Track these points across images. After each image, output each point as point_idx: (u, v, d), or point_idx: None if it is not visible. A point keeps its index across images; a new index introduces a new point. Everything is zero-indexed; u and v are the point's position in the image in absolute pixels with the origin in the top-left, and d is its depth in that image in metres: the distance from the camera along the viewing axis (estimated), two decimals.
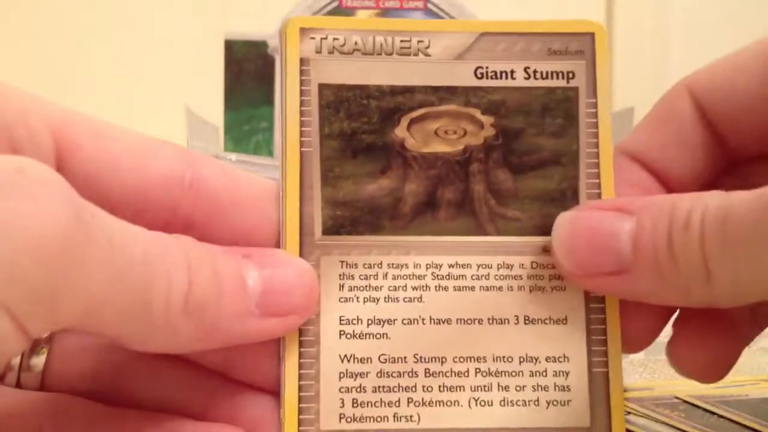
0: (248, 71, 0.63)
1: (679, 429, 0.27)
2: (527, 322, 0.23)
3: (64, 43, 0.95)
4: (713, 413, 0.29)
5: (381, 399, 0.22)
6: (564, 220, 0.23)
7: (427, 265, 0.23)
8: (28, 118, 0.20)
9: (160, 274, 0.18)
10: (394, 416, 0.22)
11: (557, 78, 0.24)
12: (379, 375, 0.22)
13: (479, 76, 0.24)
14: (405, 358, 0.22)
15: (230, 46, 0.63)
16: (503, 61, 0.24)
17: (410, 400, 0.22)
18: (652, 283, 0.21)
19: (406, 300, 0.23)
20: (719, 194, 0.20)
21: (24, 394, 0.23)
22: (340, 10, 0.61)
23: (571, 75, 0.24)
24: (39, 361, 0.23)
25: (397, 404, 0.22)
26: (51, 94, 0.22)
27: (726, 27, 0.99)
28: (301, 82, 0.23)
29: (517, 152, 0.23)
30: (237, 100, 0.63)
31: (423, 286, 0.23)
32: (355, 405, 0.22)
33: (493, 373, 0.22)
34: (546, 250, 0.23)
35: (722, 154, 0.24)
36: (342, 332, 0.22)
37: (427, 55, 0.23)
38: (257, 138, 0.64)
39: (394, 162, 0.23)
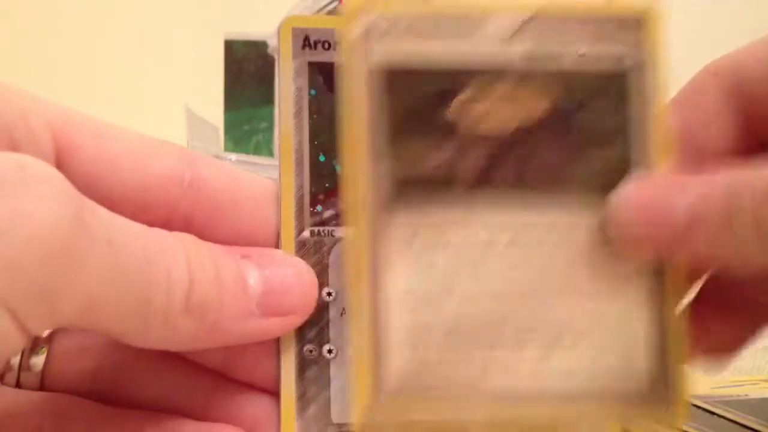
0: (248, 71, 0.63)
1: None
2: (589, 289, 0.23)
3: (63, 43, 0.95)
4: (713, 413, 0.29)
5: (445, 359, 0.22)
6: (623, 189, 0.22)
7: (487, 233, 0.23)
8: (28, 118, 0.20)
9: (159, 272, 0.18)
10: (458, 375, 0.22)
11: (608, 61, 0.24)
12: (444, 336, 0.22)
13: (530, 58, 0.23)
14: (468, 325, 0.22)
15: (230, 46, 0.63)
16: (554, 45, 0.24)
17: (473, 362, 0.22)
18: (711, 244, 0.21)
19: (469, 267, 0.22)
20: None
21: (24, 394, 0.23)
22: (339, 10, 0.61)
23: (623, 57, 0.24)
24: (39, 360, 0.23)
25: (460, 365, 0.22)
26: (51, 94, 0.22)
27: (726, 27, 0.99)
28: (346, 66, 0.22)
29: (568, 132, 0.23)
30: (237, 100, 0.63)
31: (486, 254, 0.23)
32: (420, 369, 0.22)
33: (556, 339, 0.22)
34: (603, 224, 0.23)
35: (749, 137, 0.24)
36: (404, 298, 0.22)
37: (478, 36, 0.23)
38: (257, 138, 0.64)
39: (449, 143, 0.23)
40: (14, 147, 0.19)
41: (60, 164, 0.20)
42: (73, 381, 0.23)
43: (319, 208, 0.23)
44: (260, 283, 0.21)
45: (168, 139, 0.23)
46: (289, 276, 0.22)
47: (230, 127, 0.64)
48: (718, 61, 0.25)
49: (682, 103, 0.25)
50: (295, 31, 0.23)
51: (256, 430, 0.22)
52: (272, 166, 0.50)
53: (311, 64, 0.23)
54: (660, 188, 0.22)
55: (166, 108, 0.68)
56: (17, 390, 0.23)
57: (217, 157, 0.44)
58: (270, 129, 0.63)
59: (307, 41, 0.23)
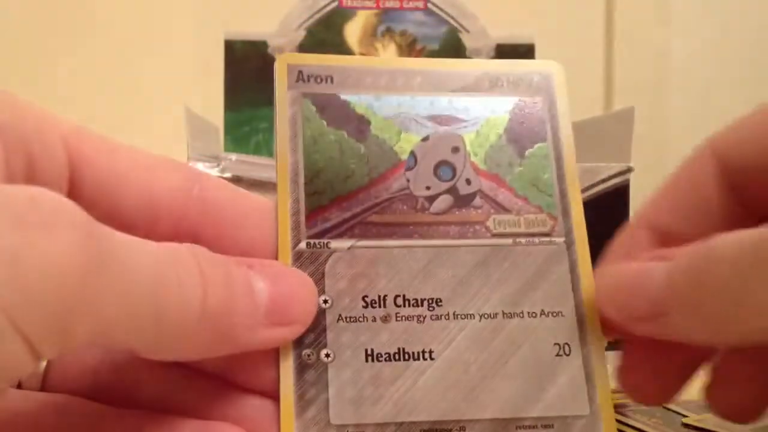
0: (248, 71, 0.63)
1: None
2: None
3: (63, 42, 0.95)
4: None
5: None
6: (606, 270, 0.23)
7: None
8: (43, 132, 0.20)
9: (171, 284, 0.19)
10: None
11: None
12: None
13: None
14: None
15: (230, 46, 0.63)
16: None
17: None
18: (687, 322, 0.21)
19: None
20: (756, 229, 0.20)
21: (25, 395, 0.23)
22: (339, 10, 0.61)
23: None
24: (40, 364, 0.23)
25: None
26: (50, 95, 0.22)
27: (726, 27, 0.99)
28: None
29: None
30: (237, 101, 0.63)
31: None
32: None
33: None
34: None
35: (745, 215, 0.24)
36: None
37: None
38: (257, 138, 0.64)
39: None
40: (31, 161, 0.20)
41: (73, 178, 0.21)
42: (74, 382, 0.23)
43: (315, 222, 0.24)
44: (267, 294, 0.22)
45: (168, 139, 0.24)
46: (293, 286, 0.23)
47: (230, 127, 0.64)
48: (717, 138, 0.24)
49: (680, 182, 0.25)
50: (290, 67, 0.26)
51: (256, 430, 0.22)
52: (272, 166, 0.50)
53: (305, 95, 0.26)
54: (641, 265, 0.23)
55: (166, 108, 0.68)
56: (19, 391, 0.23)
57: (217, 157, 0.45)
58: (270, 129, 0.63)
59: (300, 75, 0.26)
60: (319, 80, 0.26)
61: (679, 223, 0.24)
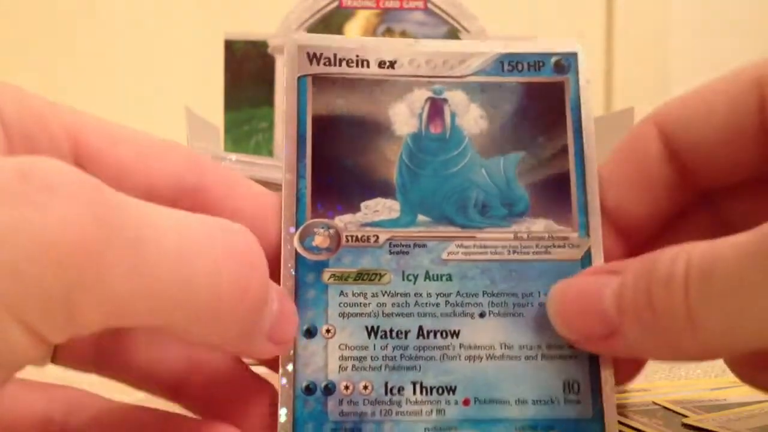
0: (248, 71, 0.63)
1: None
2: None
3: (63, 42, 0.95)
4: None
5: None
6: (557, 289, 0.23)
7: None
8: (47, 124, 0.20)
9: (206, 268, 0.18)
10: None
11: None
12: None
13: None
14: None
15: (230, 46, 0.63)
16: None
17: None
18: (641, 341, 0.21)
19: None
20: (702, 245, 0.20)
21: (35, 385, 0.23)
22: (339, 11, 0.61)
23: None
24: None
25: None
26: (51, 94, 0.22)
27: (725, 27, 0.99)
28: None
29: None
30: (237, 100, 0.63)
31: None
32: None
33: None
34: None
35: (688, 189, 0.25)
36: None
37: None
38: (257, 138, 0.64)
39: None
40: (34, 154, 0.19)
41: (76, 166, 0.21)
42: (80, 348, 0.24)
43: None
44: (277, 308, 0.21)
45: (168, 139, 0.23)
46: (293, 312, 0.22)
47: (230, 127, 0.64)
48: (660, 111, 0.25)
49: (621, 157, 0.25)
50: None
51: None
52: (273, 166, 0.50)
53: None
54: (592, 278, 0.23)
55: (166, 108, 0.68)
56: (28, 381, 0.23)
57: (217, 156, 0.45)
58: (270, 129, 0.63)
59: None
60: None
61: (626, 198, 0.24)
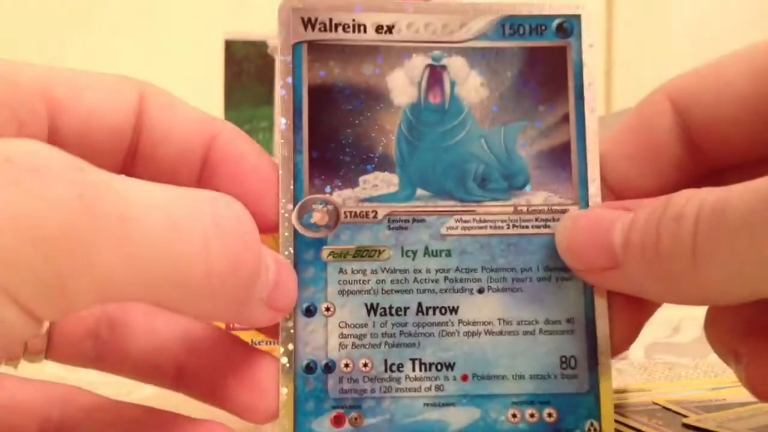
0: (248, 71, 0.63)
1: None
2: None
3: (63, 42, 0.95)
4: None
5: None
6: (568, 217, 0.23)
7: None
8: (29, 97, 0.21)
9: (195, 242, 0.17)
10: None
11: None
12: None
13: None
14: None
15: (230, 46, 0.63)
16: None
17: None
18: (642, 278, 0.21)
19: None
20: (718, 189, 0.20)
21: (32, 383, 0.23)
22: None
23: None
24: (44, 325, 0.23)
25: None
26: None
27: (725, 27, 0.99)
28: None
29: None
30: (237, 100, 0.63)
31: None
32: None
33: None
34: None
35: (697, 165, 0.24)
36: None
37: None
38: (258, 138, 0.64)
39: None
40: (20, 127, 0.20)
41: (51, 127, 0.21)
42: (77, 342, 0.24)
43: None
44: (274, 276, 0.21)
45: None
46: (292, 278, 0.22)
47: None
48: (673, 84, 0.24)
49: (637, 128, 0.25)
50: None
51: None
52: None
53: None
54: (605, 212, 0.23)
55: None
56: (26, 378, 0.23)
57: None
58: (270, 128, 0.63)
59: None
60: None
61: (633, 172, 0.24)
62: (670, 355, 0.41)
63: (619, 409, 0.27)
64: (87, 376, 0.34)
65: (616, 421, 0.25)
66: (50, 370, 0.34)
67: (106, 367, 0.24)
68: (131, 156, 0.23)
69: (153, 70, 1.00)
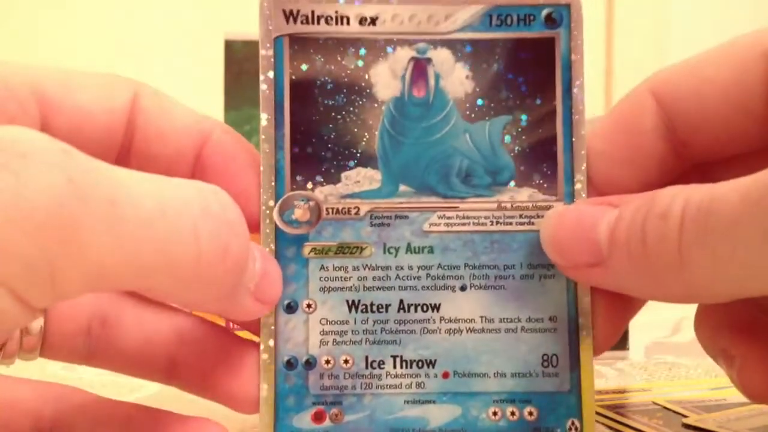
0: (248, 71, 0.63)
1: None
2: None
3: (63, 42, 0.95)
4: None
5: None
6: (552, 213, 0.23)
7: None
8: (19, 93, 0.21)
9: (183, 224, 0.17)
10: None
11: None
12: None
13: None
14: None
15: (230, 46, 0.63)
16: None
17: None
18: (627, 275, 0.21)
19: None
20: (703, 186, 0.19)
21: (25, 382, 0.23)
22: None
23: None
24: (37, 323, 0.23)
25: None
26: None
27: (725, 27, 0.99)
28: None
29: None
30: (237, 100, 0.63)
31: None
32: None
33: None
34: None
35: (682, 161, 0.24)
36: None
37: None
38: (257, 138, 0.65)
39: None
40: (10, 120, 0.20)
41: (44, 123, 0.21)
42: (70, 338, 0.24)
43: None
44: (261, 267, 0.21)
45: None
46: (277, 271, 0.23)
47: (230, 126, 0.64)
48: (656, 79, 0.24)
49: (620, 123, 0.25)
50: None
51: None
52: None
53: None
54: (591, 208, 0.22)
55: None
56: (19, 378, 0.24)
57: None
58: None
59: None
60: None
61: (617, 171, 0.24)
62: (670, 355, 0.41)
63: (619, 409, 0.27)
64: (87, 375, 0.34)
65: (616, 421, 0.25)
66: (50, 370, 0.34)
67: (99, 363, 0.24)
68: (124, 155, 0.23)
69: (153, 69, 1.01)
